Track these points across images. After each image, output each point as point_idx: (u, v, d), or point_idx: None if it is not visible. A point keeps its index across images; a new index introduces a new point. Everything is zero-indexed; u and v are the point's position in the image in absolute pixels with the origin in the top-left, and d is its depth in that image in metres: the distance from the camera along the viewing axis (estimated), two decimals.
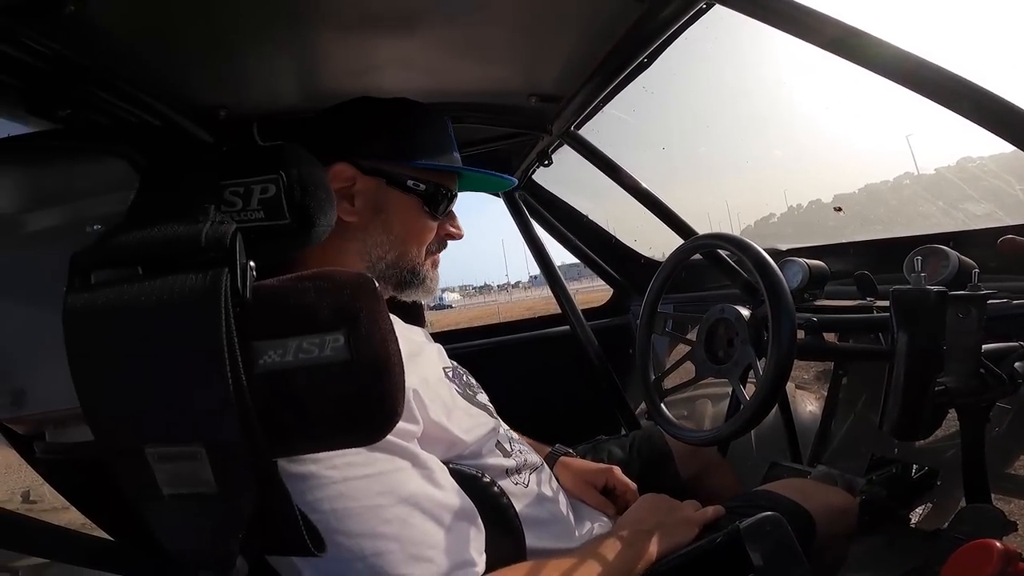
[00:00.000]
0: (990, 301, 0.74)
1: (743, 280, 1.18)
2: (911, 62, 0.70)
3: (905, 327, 0.69)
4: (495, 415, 0.85)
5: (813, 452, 1.53)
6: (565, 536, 0.82)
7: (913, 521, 1.44)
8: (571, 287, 1.98)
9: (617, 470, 0.99)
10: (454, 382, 0.80)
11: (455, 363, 0.91)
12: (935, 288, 0.67)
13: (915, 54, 0.70)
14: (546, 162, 1.69)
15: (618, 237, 2.10)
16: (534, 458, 0.88)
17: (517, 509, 0.74)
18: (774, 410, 1.56)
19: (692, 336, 1.06)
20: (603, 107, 1.39)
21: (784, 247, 1.74)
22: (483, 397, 0.88)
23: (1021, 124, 0.64)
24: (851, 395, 1.56)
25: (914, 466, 1.41)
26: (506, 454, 0.81)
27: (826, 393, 1.55)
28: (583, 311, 1.99)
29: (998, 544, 0.41)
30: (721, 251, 1.12)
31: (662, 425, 1.02)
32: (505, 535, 0.71)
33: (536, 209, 1.99)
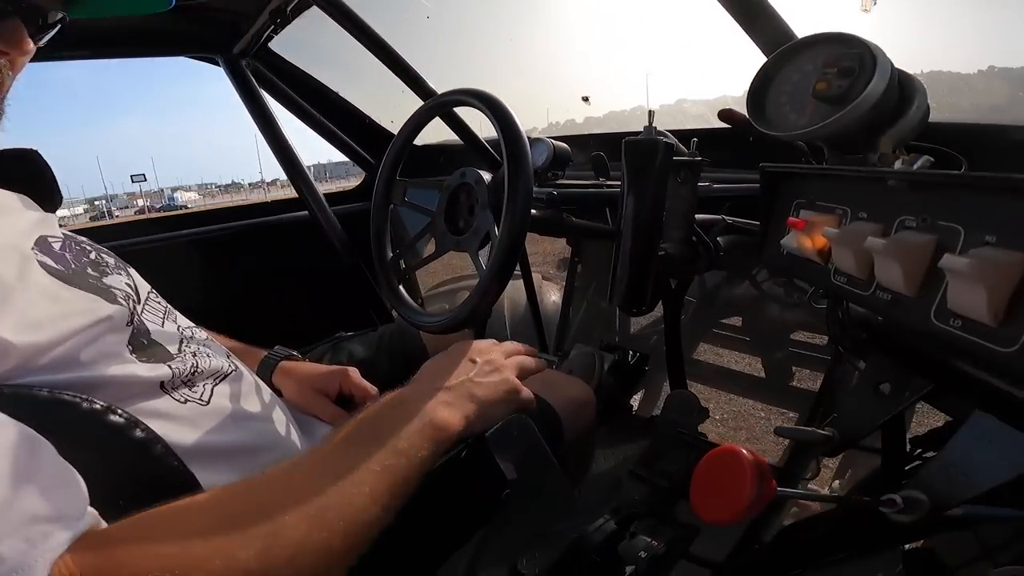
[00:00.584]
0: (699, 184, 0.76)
1: (482, 145, 1.08)
2: None
3: (634, 184, 0.65)
4: (136, 300, 0.59)
5: (556, 340, 1.60)
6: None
7: (635, 409, 1.66)
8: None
9: (354, 372, 0.82)
10: (47, 255, 0.52)
11: (84, 239, 0.61)
12: (663, 139, 0.64)
13: None
14: (282, 20, 1.37)
15: (374, 118, 1.86)
16: (217, 363, 0.64)
17: (170, 440, 0.51)
18: (525, 302, 1.65)
19: None
20: None
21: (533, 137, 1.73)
22: (120, 279, 0.59)
23: None
24: (585, 282, 1.66)
25: (630, 352, 1.60)
26: (154, 357, 0.56)
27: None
28: (330, 195, 1.75)
29: (745, 452, 0.36)
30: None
31: (398, 310, 0.89)
32: (147, 481, 0.48)
33: (271, 82, 1.62)
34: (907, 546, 0.54)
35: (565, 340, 1.62)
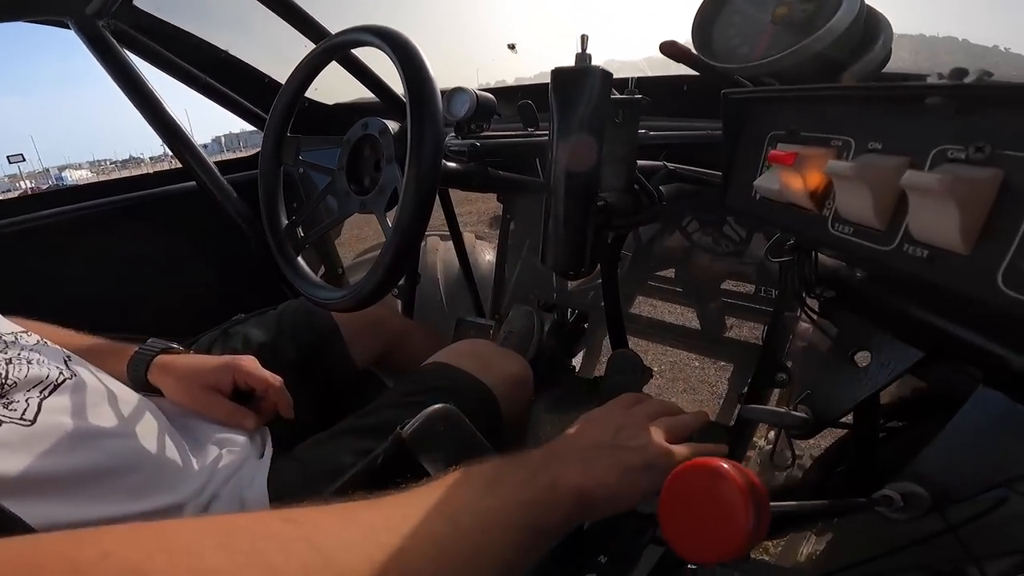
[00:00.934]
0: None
1: (388, 91, 0.94)
2: None
3: (564, 122, 0.54)
4: None
5: (493, 302, 1.51)
6: (127, 495, 0.50)
7: (576, 368, 1.60)
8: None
9: (248, 360, 0.68)
10: None
11: None
12: (600, 67, 0.52)
13: None
14: None
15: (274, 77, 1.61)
16: (41, 371, 0.51)
17: None
18: (457, 265, 1.53)
19: None
20: None
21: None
22: None
23: None
24: (519, 240, 1.56)
25: (569, 311, 1.53)
26: None
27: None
28: (223, 163, 1.52)
29: (727, 466, 0.26)
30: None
31: (296, 285, 0.75)
32: None
33: (139, 43, 1.35)
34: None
35: (502, 302, 1.53)
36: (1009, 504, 0.33)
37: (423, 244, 1.70)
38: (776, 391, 0.84)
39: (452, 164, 0.78)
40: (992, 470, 0.32)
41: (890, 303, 0.40)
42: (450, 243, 1.45)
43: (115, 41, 1.29)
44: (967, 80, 0.24)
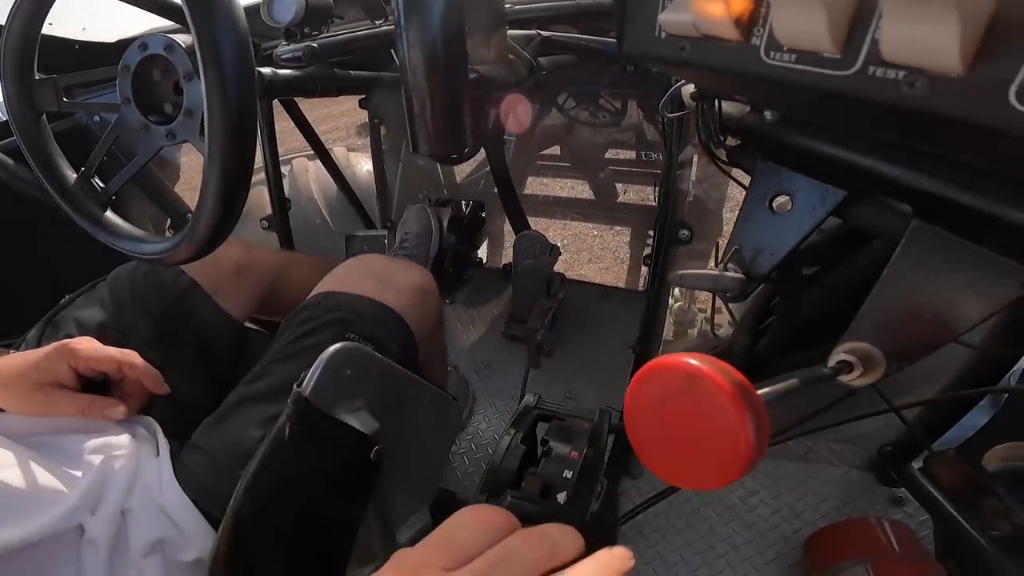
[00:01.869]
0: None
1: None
2: None
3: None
4: None
5: (381, 212, 1.41)
6: None
7: (484, 262, 1.55)
8: None
9: (83, 342, 0.54)
10: None
11: None
12: None
13: None
14: None
15: None
16: None
17: None
18: (333, 183, 1.35)
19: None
20: None
21: None
22: None
23: None
24: (394, 142, 1.41)
25: (463, 203, 1.45)
26: None
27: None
28: None
29: (710, 367, 0.19)
30: None
31: (112, 243, 0.59)
32: None
33: None
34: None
35: (390, 209, 1.41)
36: None
37: (289, 168, 1.50)
38: (680, 248, 0.84)
39: (286, 71, 0.63)
40: (942, 320, 0.30)
41: (807, 145, 0.36)
42: (318, 161, 1.28)
43: None
44: None
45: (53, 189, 0.59)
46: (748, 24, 0.24)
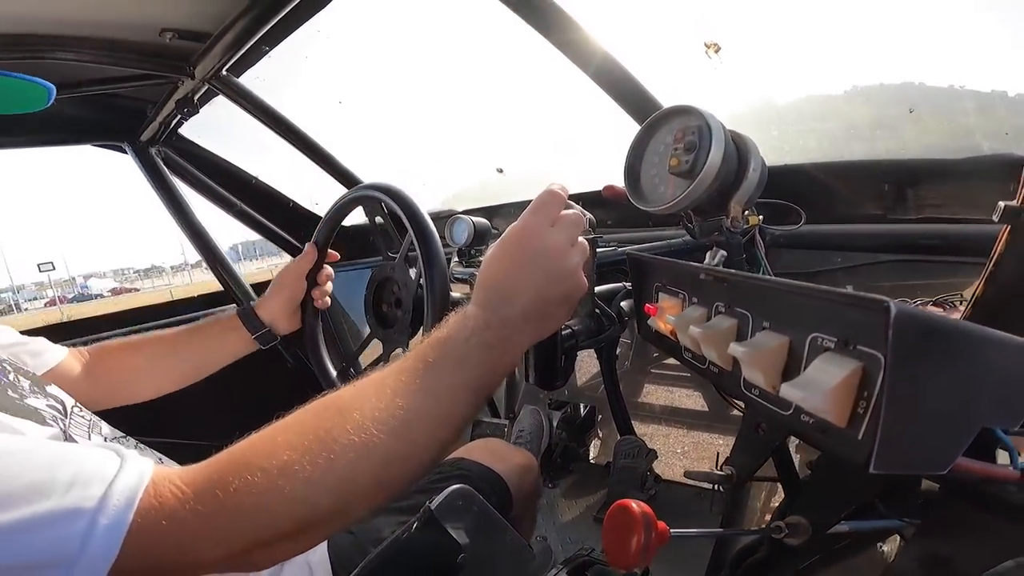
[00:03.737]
0: (599, 249, 0.85)
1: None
2: None
3: None
4: (63, 415, 0.61)
5: (506, 404, 1.67)
6: None
7: (592, 457, 1.74)
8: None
9: None
10: None
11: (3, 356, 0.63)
12: None
13: None
14: (190, 110, 1.39)
15: (298, 201, 1.90)
16: None
17: None
18: None
19: None
20: (268, 51, 1.21)
21: (461, 209, 1.84)
22: (40, 401, 0.60)
23: None
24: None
25: (580, 405, 1.69)
26: None
27: None
28: (259, 284, 1.76)
29: (634, 505, 0.43)
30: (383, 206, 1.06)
31: None
32: None
33: (184, 169, 1.64)
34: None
35: (514, 403, 1.69)
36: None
37: None
38: None
39: (456, 294, 0.98)
40: (847, 499, 0.46)
41: None
42: None
43: (165, 168, 1.56)
44: (714, 263, 0.43)
45: (322, 378, 0.97)
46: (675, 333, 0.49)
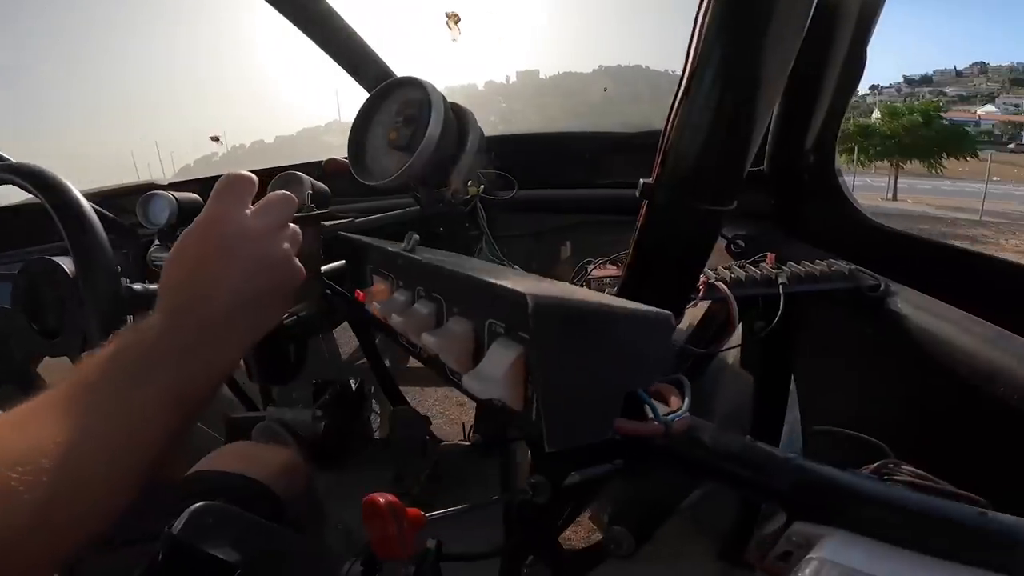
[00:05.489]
0: (335, 223, 0.79)
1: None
2: None
3: None
4: None
5: (263, 394, 1.51)
6: None
7: (377, 432, 1.68)
8: None
9: None
10: None
11: None
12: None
13: None
14: None
15: None
16: None
17: None
18: None
19: None
20: None
21: (165, 183, 1.55)
22: None
23: None
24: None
25: (350, 380, 1.62)
26: None
27: None
28: None
29: (380, 499, 0.40)
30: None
31: None
32: None
33: None
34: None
35: (271, 391, 1.54)
36: None
37: None
38: None
39: (138, 287, 0.82)
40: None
41: None
42: None
43: None
44: (408, 247, 0.44)
45: None
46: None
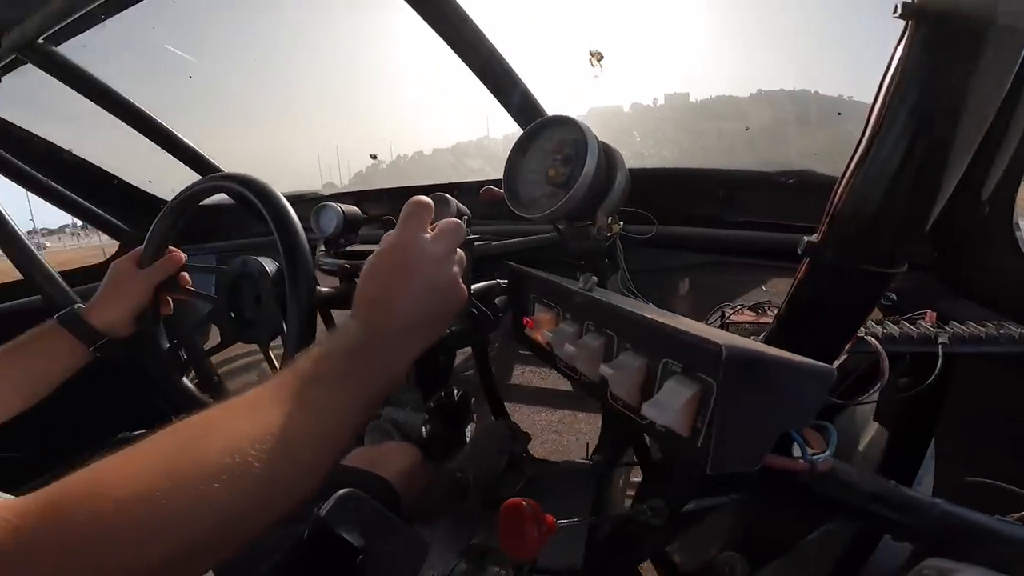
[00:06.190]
0: (476, 244, 0.88)
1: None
2: None
3: None
4: None
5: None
6: None
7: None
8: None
9: None
10: None
11: None
12: None
13: None
14: None
15: (124, 178, 1.68)
16: None
17: None
18: None
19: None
20: (104, 19, 1.07)
21: (328, 193, 1.77)
22: None
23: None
24: None
25: (454, 390, 1.73)
26: None
27: None
28: (71, 272, 1.54)
29: (523, 503, 0.47)
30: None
31: (187, 405, 0.87)
32: None
33: None
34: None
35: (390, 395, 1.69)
36: None
37: None
38: None
39: (325, 289, 0.96)
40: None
41: None
42: None
43: None
44: (587, 286, 0.50)
45: (151, 356, 0.89)
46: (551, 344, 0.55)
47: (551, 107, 1.20)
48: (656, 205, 1.03)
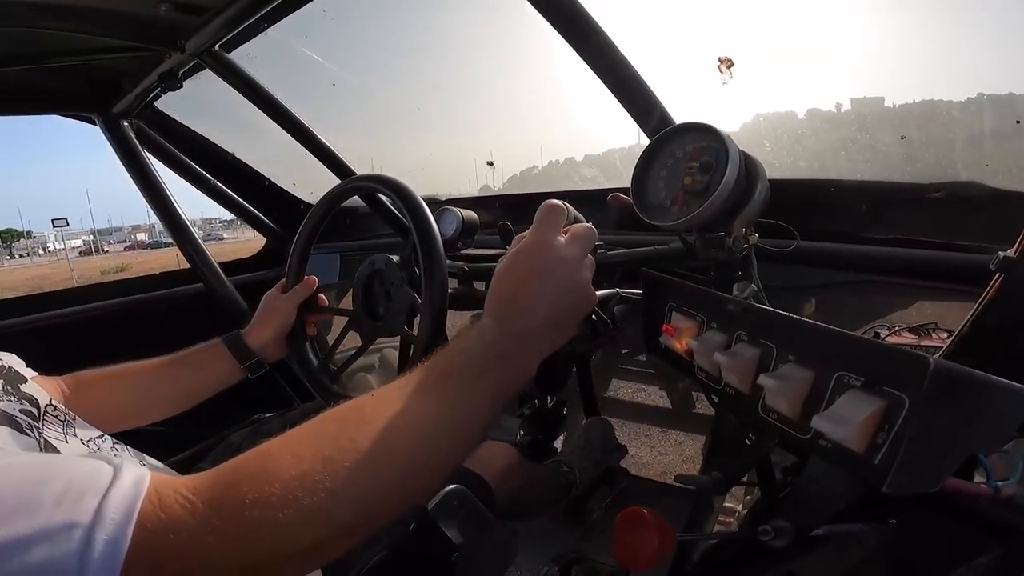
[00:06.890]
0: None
1: (400, 224, 1.17)
2: None
3: None
4: (36, 418, 0.59)
5: None
6: None
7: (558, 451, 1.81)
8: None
9: None
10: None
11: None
12: None
13: None
14: (172, 84, 1.35)
15: (273, 180, 1.87)
16: None
17: None
18: None
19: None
20: (267, 27, 1.20)
21: (443, 198, 1.85)
22: (11, 404, 0.58)
23: None
24: None
25: (547, 398, 1.74)
26: None
27: None
28: (226, 264, 1.73)
29: (645, 512, 0.47)
30: (380, 195, 1.07)
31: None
32: None
33: (156, 143, 1.59)
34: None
35: None
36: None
37: None
38: None
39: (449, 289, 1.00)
40: (830, 504, 0.53)
41: None
42: None
43: (136, 141, 1.52)
44: (744, 295, 0.48)
45: (300, 367, 0.98)
46: (692, 353, 0.54)
47: (706, 115, 1.18)
48: (793, 218, 0.98)
